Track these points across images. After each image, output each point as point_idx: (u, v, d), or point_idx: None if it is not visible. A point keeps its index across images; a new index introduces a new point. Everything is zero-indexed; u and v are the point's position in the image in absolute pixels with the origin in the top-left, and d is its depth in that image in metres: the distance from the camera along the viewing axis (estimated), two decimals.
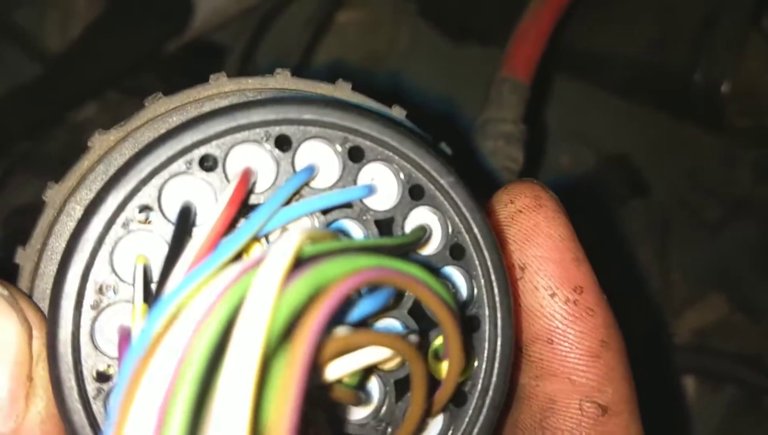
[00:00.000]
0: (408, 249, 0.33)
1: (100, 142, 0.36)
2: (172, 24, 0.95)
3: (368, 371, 0.33)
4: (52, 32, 0.96)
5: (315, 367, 0.25)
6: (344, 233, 0.33)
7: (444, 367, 0.33)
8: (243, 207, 0.32)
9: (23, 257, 0.35)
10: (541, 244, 0.36)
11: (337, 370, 0.26)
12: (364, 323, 0.32)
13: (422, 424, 0.33)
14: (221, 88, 0.38)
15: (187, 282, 0.26)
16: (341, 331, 0.26)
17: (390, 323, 0.34)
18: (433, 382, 0.34)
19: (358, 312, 0.28)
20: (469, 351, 0.34)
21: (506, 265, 0.38)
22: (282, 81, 0.38)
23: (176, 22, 0.95)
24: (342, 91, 0.39)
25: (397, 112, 0.39)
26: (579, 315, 0.36)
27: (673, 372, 0.88)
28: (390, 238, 0.33)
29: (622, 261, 0.91)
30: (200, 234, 0.28)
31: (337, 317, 0.27)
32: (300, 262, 0.25)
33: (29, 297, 0.34)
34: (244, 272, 0.24)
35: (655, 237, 0.96)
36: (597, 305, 0.37)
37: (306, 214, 0.33)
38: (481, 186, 0.41)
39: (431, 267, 0.34)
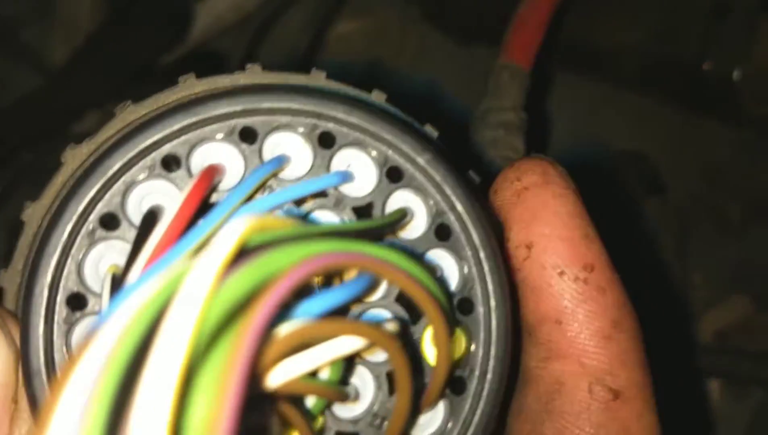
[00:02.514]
0: (383, 232, 0.31)
1: (72, 156, 0.36)
2: (171, 33, 0.95)
3: (351, 364, 0.31)
4: (54, 44, 0.97)
5: (263, 368, 0.24)
6: (311, 222, 0.31)
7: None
8: (207, 206, 0.30)
9: (5, 279, 0.35)
10: (549, 222, 0.34)
11: (290, 369, 0.25)
12: (343, 315, 0.31)
13: (416, 416, 0.31)
14: (191, 90, 0.37)
15: (139, 282, 0.25)
16: (287, 326, 0.24)
17: (378, 314, 0.32)
18: (430, 371, 0.32)
19: (322, 303, 0.26)
20: (466, 335, 0.32)
21: (508, 245, 0.36)
22: (252, 76, 0.37)
23: (176, 31, 0.95)
24: (315, 79, 0.37)
25: (377, 97, 0.37)
26: (589, 294, 0.34)
27: (696, 374, 0.84)
28: (357, 222, 0.31)
29: (638, 262, 0.87)
30: (157, 232, 0.27)
31: (300, 311, 0.26)
32: (247, 252, 0.23)
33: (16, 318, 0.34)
34: (185, 266, 0.23)
35: (673, 237, 0.91)
36: (609, 284, 0.34)
37: (274, 207, 0.31)
38: (483, 175, 0.39)
39: (411, 251, 0.32)
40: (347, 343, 0.26)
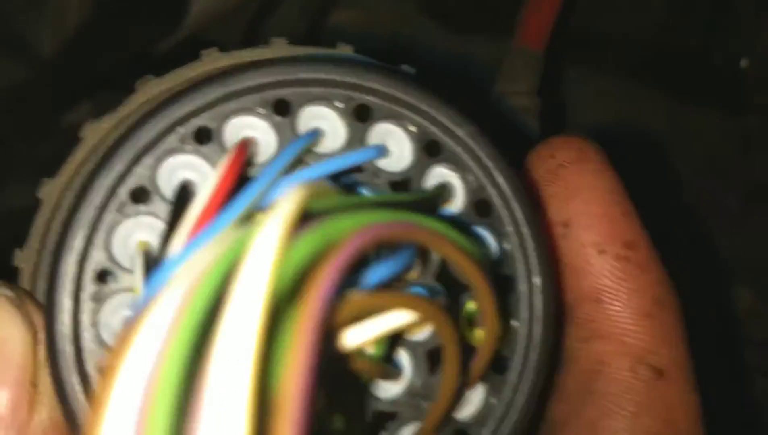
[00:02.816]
0: (428, 206, 0.30)
1: (92, 131, 0.34)
2: (164, 21, 0.93)
3: (395, 342, 0.30)
4: (43, 33, 0.95)
5: (329, 334, 0.23)
6: (356, 191, 0.30)
7: (478, 333, 0.30)
8: (242, 180, 0.29)
9: (22, 259, 0.33)
10: (587, 199, 0.33)
11: (355, 337, 0.24)
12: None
13: (460, 395, 0.30)
14: (215, 64, 0.36)
15: (185, 253, 0.24)
16: (357, 294, 0.23)
17: (415, 290, 0.31)
18: (468, 350, 0.31)
19: (378, 274, 0.25)
20: (506, 313, 0.31)
21: (545, 221, 0.35)
22: (279, 50, 0.36)
23: (169, 19, 0.93)
24: (344, 52, 0.36)
25: (405, 69, 0.37)
26: (631, 272, 0.33)
27: (745, 371, 0.83)
28: (405, 194, 0.30)
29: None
30: (195, 205, 0.26)
31: (352, 281, 0.25)
32: (305, 220, 0.22)
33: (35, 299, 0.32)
34: (242, 234, 0.22)
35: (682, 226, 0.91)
36: (649, 261, 0.33)
37: (312, 181, 0.30)
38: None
39: (459, 223, 0.31)
40: (402, 317, 0.25)
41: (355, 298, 0.23)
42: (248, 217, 0.27)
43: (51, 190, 0.33)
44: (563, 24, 0.72)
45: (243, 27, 0.99)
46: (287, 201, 0.21)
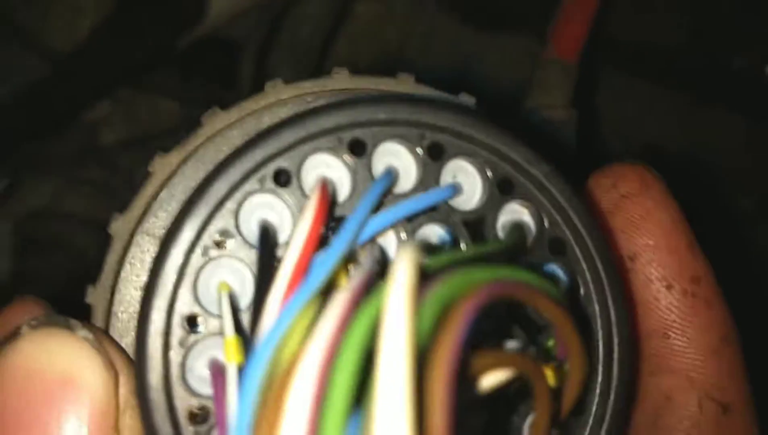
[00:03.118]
0: (513, 252, 0.30)
1: (161, 166, 0.34)
2: (184, 19, 0.92)
3: None
4: (60, 31, 0.94)
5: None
6: (447, 244, 0.30)
7: (551, 372, 0.30)
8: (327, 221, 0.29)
9: (95, 296, 0.33)
10: (653, 232, 0.33)
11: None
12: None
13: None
14: (279, 96, 0.35)
15: (287, 314, 0.24)
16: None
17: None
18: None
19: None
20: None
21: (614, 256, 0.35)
22: (341, 81, 0.36)
23: (189, 16, 0.92)
24: (405, 84, 0.36)
25: (467, 100, 0.36)
26: (698, 308, 0.33)
27: None
28: (496, 243, 0.30)
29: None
30: (289, 257, 0.26)
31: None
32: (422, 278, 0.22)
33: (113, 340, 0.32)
34: (359, 297, 0.22)
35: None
36: (715, 297, 0.34)
37: (394, 223, 0.30)
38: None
39: (535, 268, 0.31)
40: (504, 374, 0.25)
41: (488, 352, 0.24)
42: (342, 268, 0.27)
43: (121, 227, 0.33)
44: (594, 32, 0.72)
45: (264, 24, 0.98)
46: (405, 264, 0.21)
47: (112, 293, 0.33)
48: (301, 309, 0.24)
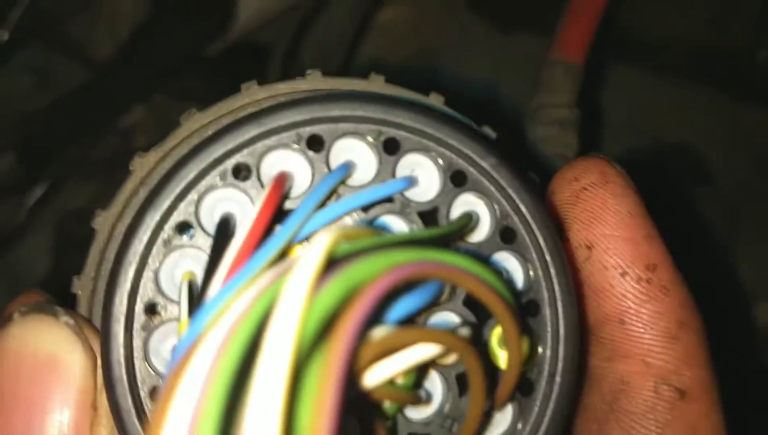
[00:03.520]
0: (452, 238, 0.32)
1: (140, 164, 0.36)
2: (215, 25, 0.96)
3: (425, 368, 0.32)
4: (99, 37, 0.98)
5: (354, 373, 0.24)
6: (384, 229, 0.32)
7: (506, 356, 0.31)
8: (280, 212, 0.31)
9: (79, 286, 0.36)
10: (609, 222, 0.34)
11: (382, 371, 0.25)
12: (413, 320, 0.31)
13: (489, 417, 0.32)
14: (254, 97, 0.37)
15: (225, 292, 0.26)
16: (379, 332, 0.25)
17: (446, 317, 0.33)
18: (498, 373, 0.32)
19: (402, 309, 0.27)
20: (532, 337, 0.33)
21: (567, 245, 0.36)
22: (313, 82, 0.38)
23: (219, 23, 0.96)
24: (375, 84, 0.38)
25: (435, 100, 0.38)
26: (653, 294, 0.34)
27: (745, 368, 0.82)
28: (429, 229, 0.31)
29: (685, 254, 0.86)
30: (235, 242, 0.28)
31: (382, 316, 0.26)
32: (334, 263, 0.24)
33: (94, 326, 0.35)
34: (276, 277, 0.23)
35: (721, 228, 0.90)
36: (672, 283, 0.34)
37: (345, 214, 0.32)
38: (537, 173, 0.39)
39: (479, 256, 0.32)
40: (426, 350, 0.26)
41: (381, 336, 0.25)
42: (285, 252, 0.29)
43: (104, 221, 0.36)
44: (604, 26, 0.72)
45: (292, 29, 1.01)
46: (313, 252, 0.23)
47: (95, 283, 0.35)
48: (238, 290, 0.26)
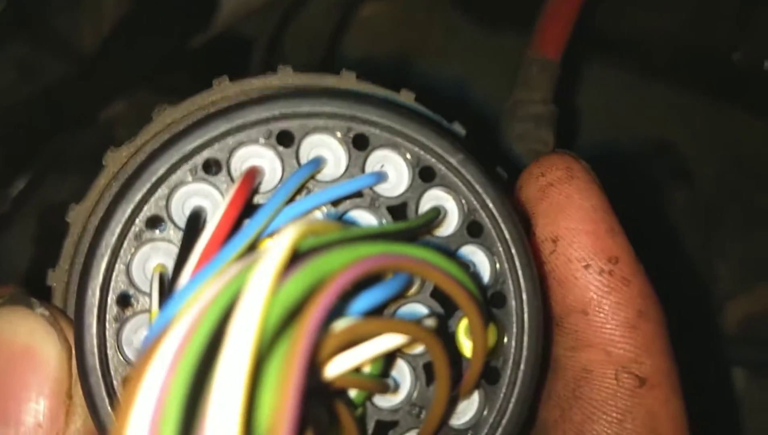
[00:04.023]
0: (418, 232, 0.33)
1: (113, 159, 0.37)
2: (197, 18, 0.96)
3: (392, 358, 0.33)
4: (82, 31, 0.98)
5: (320, 362, 0.25)
6: (353, 224, 0.33)
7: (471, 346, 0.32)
8: (250, 207, 0.32)
9: (54, 278, 0.36)
10: (573, 216, 0.35)
11: (345, 362, 0.26)
12: (381, 312, 0.32)
13: (455, 404, 0.33)
14: (225, 92, 0.38)
15: (193, 283, 0.26)
16: (341, 324, 0.26)
17: (414, 308, 0.34)
18: (465, 363, 0.33)
19: (368, 301, 0.28)
20: (498, 327, 0.34)
21: (534, 239, 0.37)
22: (285, 78, 0.38)
23: (201, 16, 0.96)
24: (346, 80, 0.38)
25: (405, 97, 0.39)
26: (614, 285, 0.35)
27: (722, 364, 0.84)
28: (396, 223, 0.32)
29: (664, 251, 0.87)
30: (204, 235, 0.29)
31: (348, 308, 0.27)
32: (299, 256, 0.25)
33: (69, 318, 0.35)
34: (243, 268, 0.24)
35: (700, 226, 0.91)
36: (633, 275, 0.35)
37: (313, 208, 0.33)
38: (508, 169, 0.40)
39: (445, 249, 0.33)
40: (391, 340, 0.27)
41: (346, 325, 0.26)
42: (254, 246, 0.30)
43: (77, 215, 0.36)
44: (583, 23, 0.73)
45: (274, 22, 1.01)
46: (278, 244, 0.23)
47: (69, 276, 0.36)
48: (205, 283, 0.26)
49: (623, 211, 0.37)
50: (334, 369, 0.26)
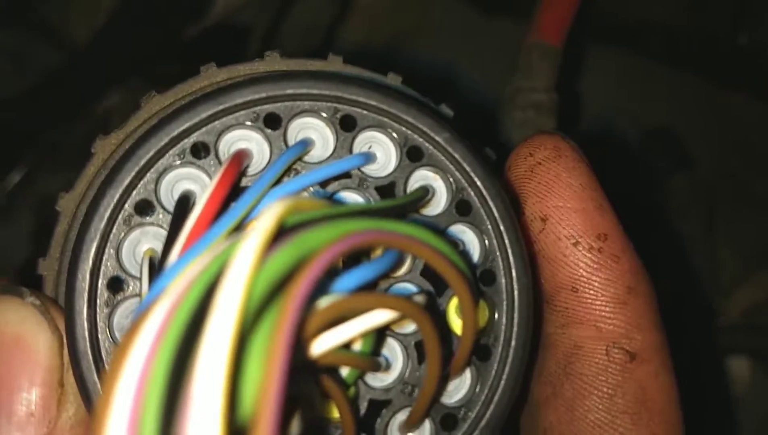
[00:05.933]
0: (407, 210, 0.33)
1: (102, 147, 0.37)
2: (192, 7, 0.96)
3: (383, 336, 0.33)
4: (75, 21, 0.98)
5: (307, 337, 0.25)
6: (339, 202, 0.33)
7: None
8: (238, 189, 0.32)
9: (45, 267, 0.36)
10: (562, 194, 0.36)
11: (334, 338, 0.26)
12: (371, 289, 0.32)
13: (446, 381, 0.33)
14: (213, 79, 0.38)
15: (180, 262, 0.26)
16: (329, 299, 0.26)
17: (404, 287, 0.34)
18: (457, 340, 0.33)
19: (356, 278, 0.28)
20: (489, 305, 0.34)
21: (523, 218, 0.37)
22: (272, 63, 0.38)
23: (197, 5, 0.95)
24: (333, 64, 0.38)
25: (392, 79, 0.39)
26: (604, 262, 0.35)
27: (724, 351, 0.84)
28: (384, 201, 0.32)
29: (665, 238, 0.87)
30: (192, 217, 0.29)
31: (336, 284, 0.27)
32: (285, 231, 0.25)
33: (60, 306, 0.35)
34: (227, 247, 0.24)
35: (701, 213, 0.91)
36: (622, 252, 0.35)
37: (301, 189, 0.33)
38: (501, 155, 0.40)
39: (434, 227, 0.33)
40: (380, 316, 0.27)
41: (334, 300, 0.26)
42: (240, 226, 0.30)
43: (67, 203, 0.36)
44: (584, 9, 0.72)
45: (271, 11, 1.00)
46: (264, 219, 0.24)
47: (60, 264, 0.36)
48: (193, 261, 0.26)
49: (625, 197, 0.37)
50: (323, 345, 0.26)
